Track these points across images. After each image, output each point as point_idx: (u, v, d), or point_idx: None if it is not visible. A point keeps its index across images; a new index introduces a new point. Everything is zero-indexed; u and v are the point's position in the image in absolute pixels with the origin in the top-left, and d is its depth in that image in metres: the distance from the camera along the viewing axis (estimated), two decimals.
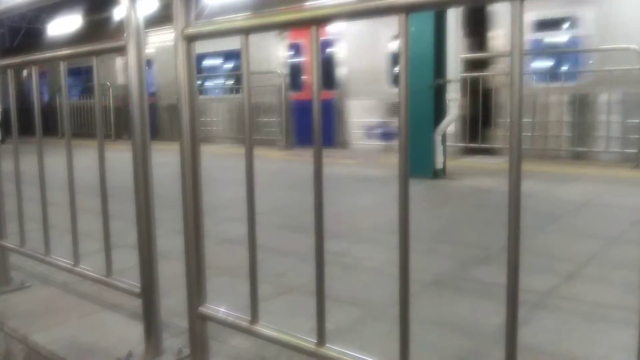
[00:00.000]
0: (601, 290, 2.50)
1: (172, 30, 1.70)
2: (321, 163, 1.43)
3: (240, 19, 1.58)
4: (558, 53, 8.14)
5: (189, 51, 1.69)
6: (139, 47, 1.79)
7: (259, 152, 8.81)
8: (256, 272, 1.64)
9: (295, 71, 11.01)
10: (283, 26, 1.50)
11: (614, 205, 4.44)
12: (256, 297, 1.63)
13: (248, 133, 1.62)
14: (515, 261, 1.13)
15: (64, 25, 16.62)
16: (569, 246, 3.26)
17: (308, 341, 1.48)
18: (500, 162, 6.97)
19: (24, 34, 17.73)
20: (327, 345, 1.45)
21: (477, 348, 1.98)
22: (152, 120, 12.65)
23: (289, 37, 10.90)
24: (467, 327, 2.15)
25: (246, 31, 1.55)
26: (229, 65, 12.71)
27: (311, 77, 1.43)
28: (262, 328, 1.62)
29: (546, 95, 7.68)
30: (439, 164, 6.10)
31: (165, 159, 3.42)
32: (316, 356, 1.46)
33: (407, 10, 1.18)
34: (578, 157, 7.51)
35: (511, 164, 1.09)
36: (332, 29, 10.01)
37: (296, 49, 11.03)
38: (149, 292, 1.89)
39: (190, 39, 1.68)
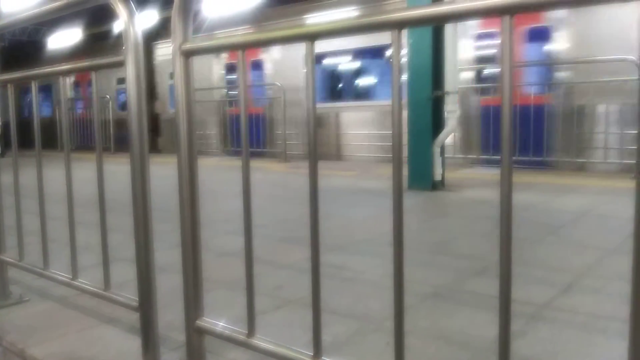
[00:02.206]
0: (598, 302, 2.50)
1: None
2: (317, 175, 1.44)
3: (237, 35, 1.60)
4: (549, 64, 8.23)
5: (186, 66, 1.71)
6: (138, 61, 1.80)
7: (259, 165, 8.92)
8: (253, 285, 1.65)
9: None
10: (278, 42, 1.52)
11: (612, 216, 4.44)
12: (253, 311, 1.64)
13: (245, 145, 1.63)
14: (508, 273, 1.14)
15: (65, 38, 16.73)
16: (566, 257, 3.26)
17: (304, 354, 1.48)
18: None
19: (24, 47, 17.81)
20: (323, 357, 1.46)
21: None
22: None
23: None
24: (464, 339, 2.15)
25: (242, 47, 1.57)
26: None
27: (307, 92, 1.45)
28: (258, 341, 1.62)
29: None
30: (437, 176, 6.12)
31: (165, 172, 3.43)
32: None
33: (399, 26, 1.20)
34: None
35: (502, 176, 1.11)
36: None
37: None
38: (146, 305, 1.90)
39: (188, 54, 1.70)
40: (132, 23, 1.78)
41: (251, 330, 1.63)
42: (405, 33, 6.27)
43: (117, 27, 13.60)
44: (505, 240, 1.12)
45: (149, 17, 13.58)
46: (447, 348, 2.09)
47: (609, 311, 2.38)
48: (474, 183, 6.57)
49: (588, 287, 2.72)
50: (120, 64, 1.85)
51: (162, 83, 13.56)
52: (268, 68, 11.34)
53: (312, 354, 1.47)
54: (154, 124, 13.52)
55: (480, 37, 8.39)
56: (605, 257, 3.23)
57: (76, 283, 2.29)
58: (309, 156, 1.45)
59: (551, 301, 2.52)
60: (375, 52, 10.08)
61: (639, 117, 1.02)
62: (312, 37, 1.38)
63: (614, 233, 3.82)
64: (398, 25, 1.20)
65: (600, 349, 2.04)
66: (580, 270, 2.99)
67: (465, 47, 8.23)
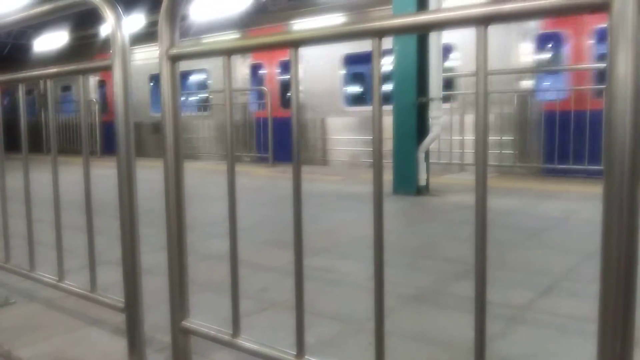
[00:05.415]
0: (577, 304, 2.56)
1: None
2: (300, 179, 1.48)
3: (224, 41, 1.64)
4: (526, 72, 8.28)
5: (173, 70, 1.74)
6: (125, 65, 1.83)
7: (244, 169, 8.88)
8: (237, 286, 1.68)
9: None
10: (264, 48, 1.55)
11: (592, 221, 4.52)
12: (237, 311, 1.67)
13: (230, 150, 1.67)
14: (483, 275, 1.18)
15: (50, 41, 16.63)
16: (546, 261, 3.32)
17: (288, 353, 1.52)
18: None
19: (9, 49, 17.70)
20: (306, 357, 1.49)
21: None
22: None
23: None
24: (445, 340, 2.20)
25: (229, 52, 1.61)
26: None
27: (292, 95, 1.49)
28: (243, 341, 1.65)
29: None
30: (422, 181, 6.18)
31: (152, 176, 3.45)
32: None
33: (380, 34, 1.24)
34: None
35: (477, 181, 1.15)
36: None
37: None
38: (132, 307, 1.92)
39: (175, 59, 1.73)
40: (119, 27, 1.81)
41: (236, 330, 1.67)
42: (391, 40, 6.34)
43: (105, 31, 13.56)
44: (481, 241, 1.17)
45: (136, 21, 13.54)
46: (428, 349, 2.13)
47: (587, 313, 2.43)
48: (457, 188, 6.64)
49: (567, 290, 2.77)
50: (108, 68, 1.88)
51: None
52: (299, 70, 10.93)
53: (295, 354, 1.50)
54: None
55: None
56: (584, 261, 3.30)
57: (62, 285, 2.31)
58: (292, 160, 1.49)
59: (531, 303, 2.58)
60: None
61: (605, 124, 1.06)
62: (296, 43, 1.42)
63: (593, 237, 3.88)
64: (378, 34, 1.25)
65: (578, 349, 2.09)
66: (559, 273, 3.05)
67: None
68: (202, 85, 12.77)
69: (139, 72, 12.81)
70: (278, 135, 10.30)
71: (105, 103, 14.19)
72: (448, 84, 8.66)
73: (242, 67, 11.64)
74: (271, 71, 11.32)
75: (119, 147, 1.85)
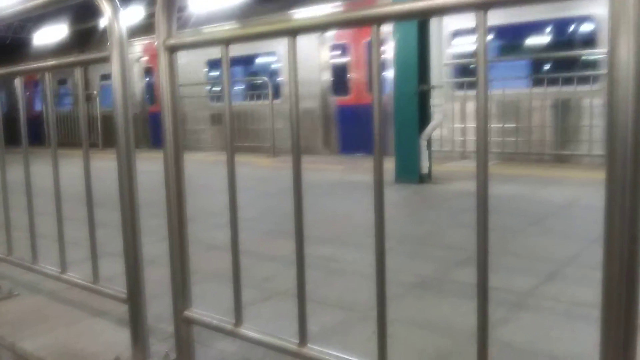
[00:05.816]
0: (580, 290, 2.55)
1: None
2: (299, 168, 1.48)
3: (221, 30, 1.63)
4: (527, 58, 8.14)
5: (171, 61, 1.73)
6: (123, 57, 1.82)
7: (247, 159, 8.80)
8: (239, 275, 1.68)
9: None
10: (261, 37, 1.54)
11: (595, 207, 4.51)
12: (240, 300, 1.67)
13: (229, 140, 1.66)
14: (485, 262, 1.18)
15: (50, 35, 16.56)
16: (550, 247, 3.32)
17: (290, 342, 1.52)
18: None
19: (9, 43, 17.67)
20: (308, 345, 1.49)
21: (456, 347, 2.03)
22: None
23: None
24: (448, 327, 2.20)
25: (226, 42, 1.60)
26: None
27: (289, 86, 1.48)
28: (245, 330, 1.66)
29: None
30: (424, 169, 6.17)
31: (156, 167, 3.45)
32: (299, 356, 1.50)
33: (379, 21, 1.23)
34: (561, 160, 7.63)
35: (478, 167, 1.14)
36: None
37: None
38: (135, 297, 1.92)
39: (172, 50, 1.72)
40: (116, 19, 1.80)
41: (238, 319, 1.67)
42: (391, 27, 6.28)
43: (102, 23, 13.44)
44: (482, 227, 1.16)
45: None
46: (432, 335, 2.13)
47: (590, 299, 2.43)
48: (460, 176, 6.62)
49: (570, 276, 2.77)
50: (106, 60, 1.87)
51: None
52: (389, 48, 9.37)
53: (298, 342, 1.50)
54: None
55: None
56: (587, 247, 3.29)
57: (65, 277, 2.32)
58: (292, 150, 1.48)
59: (534, 289, 2.58)
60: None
61: (607, 110, 1.05)
62: (293, 32, 1.41)
63: (597, 224, 3.88)
64: (377, 21, 1.24)
65: (582, 335, 2.09)
66: (563, 259, 3.05)
67: None
68: (271, 70, 11.33)
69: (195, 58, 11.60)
70: (363, 124, 9.25)
71: (152, 92, 13.39)
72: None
73: (322, 49, 10.28)
74: (357, 52, 9.95)
75: (118, 139, 1.84)
